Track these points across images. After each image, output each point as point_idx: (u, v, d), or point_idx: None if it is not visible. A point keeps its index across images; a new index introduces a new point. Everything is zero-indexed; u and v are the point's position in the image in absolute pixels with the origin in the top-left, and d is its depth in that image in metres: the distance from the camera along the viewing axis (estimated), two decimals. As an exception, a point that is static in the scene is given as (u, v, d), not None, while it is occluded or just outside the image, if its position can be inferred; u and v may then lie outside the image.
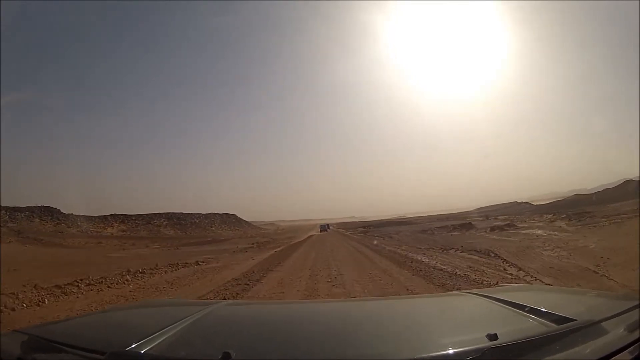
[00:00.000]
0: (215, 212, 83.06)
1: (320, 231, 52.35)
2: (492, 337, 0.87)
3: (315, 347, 1.02)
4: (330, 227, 63.16)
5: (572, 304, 1.42)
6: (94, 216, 68.48)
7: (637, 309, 1.03)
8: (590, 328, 0.93)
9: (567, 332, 0.90)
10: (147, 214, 70.33)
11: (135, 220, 67.51)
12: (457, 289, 5.63)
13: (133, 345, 0.90)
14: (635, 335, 0.86)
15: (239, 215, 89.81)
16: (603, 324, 0.95)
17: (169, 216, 70.86)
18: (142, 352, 0.88)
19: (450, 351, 0.84)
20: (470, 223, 30.74)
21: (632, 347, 0.82)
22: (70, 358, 0.89)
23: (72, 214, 67.38)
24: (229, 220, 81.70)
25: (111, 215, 69.60)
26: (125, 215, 69.28)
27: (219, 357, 0.80)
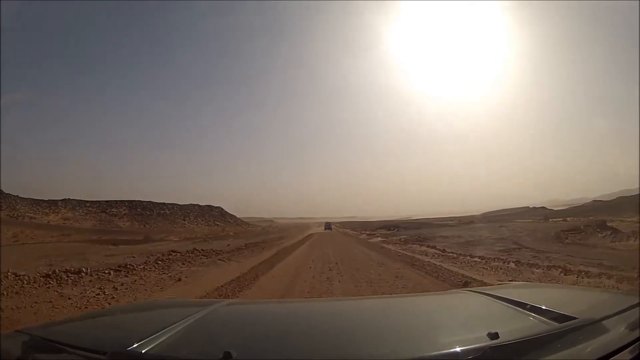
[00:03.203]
0: (196, 203, 70.01)
1: (325, 229, 49.92)
2: (493, 335, 0.85)
3: (316, 346, 1.00)
4: (332, 227, 58.01)
5: (573, 302, 1.40)
6: (43, 200, 56.46)
7: (638, 308, 1.01)
8: (591, 326, 0.92)
9: (568, 330, 0.89)
10: (106, 201, 57.63)
11: (89, 207, 54.77)
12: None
13: (134, 345, 0.88)
14: (635, 334, 0.85)
15: (225, 209, 76.59)
16: (604, 322, 0.94)
17: (133, 205, 58.01)
18: (143, 352, 0.87)
19: (451, 350, 0.83)
20: (605, 223, 17.79)
21: (632, 346, 0.81)
22: (71, 358, 0.88)
23: (18, 195, 55.59)
24: (211, 213, 68.57)
25: (63, 200, 57.21)
26: (80, 200, 56.70)
27: (220, 356, 0.78)
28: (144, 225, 49.54)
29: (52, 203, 56.07)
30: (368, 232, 37.99)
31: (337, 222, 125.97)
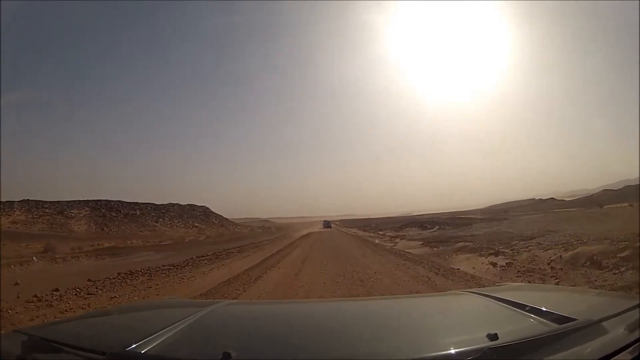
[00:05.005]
0: (177, 202, 62.39)
1: (324, 227, 48.06)
2: (493, 336, 0.85)
3: (315, 346, 1.00)
4: (332, 226, 55.07)
5: (573, 303, 1.40)
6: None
7: (637, 309, 1.01)
8: (591, 328, 0.91)
9: (567, 331, 0.89)
10: (67, 202, 50.12)
11: (46, 208, 47.32)
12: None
13: (133, 346, 0.88)
14: (635, 335, 0.85)
15: (212, 208, 69.15)
16: (603, 323, 0.93)
17: (97, 205, 50.53)
18: (142, 352, 0.87)
19: (451, 351, 0.83)
20: None
21: (632, 347, 0.81)
22: (70, 358, 0.88)
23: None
24: (192, 214, 61.10)
25: (21, 201, 49.83)
26: (38, 201, 49.40)
27: (219, 357, 0.78)
28: (103, 229, 42.31)
29: (9, 205, 48.73)
30: (394, 234, 24.35)
31: (337, 220, 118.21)
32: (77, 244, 24.37)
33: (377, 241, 20.25)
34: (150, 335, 0.94)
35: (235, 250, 16.58)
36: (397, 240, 20.33)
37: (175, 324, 1.06)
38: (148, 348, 0.88)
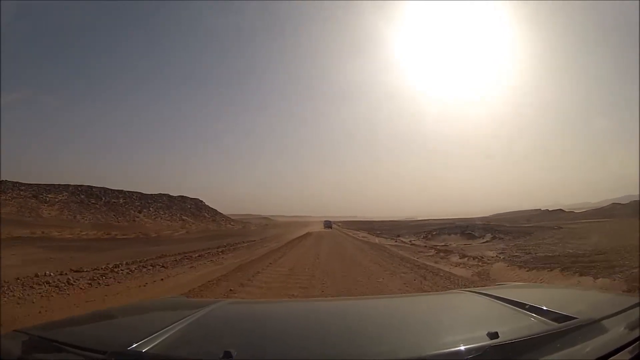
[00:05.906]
0: (167, 193, 58.51)
1: (324, 227, 48.06)
2: (493, 335, 0.85)
3: (316, 345, 1.00)
4: (333, 226, 53.83)
5: (573, 302, 1.40)
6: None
7: (638, 307, 1.01)
8: (591, 326, 0.92)
9: (567, 330, 0.89)
10: (46, 185, 46.47)
11: (22, 190, 43.69)
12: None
13: (134, 345, 0.88)
14: (635, 334, 0.85)
15: (205, 202, 65.29)
16: (603, 322, 0.94)
17: (77, 190, 46.84)
18: (143, 351, 0.87)
19: (451, 350, 0.83)
20: None
21: (632, 346, 0.81)
22: (70, 358, 0.88)
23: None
24: (182, 206, 57.23)
25: (-2, 182, 46.19)
26: (15, 182, 45.86)
27: (220, 356, 0.79)
28: (75, 217, 38.38)
29: (-16, 185, 45.21)
30: (424, 243, 18.25)
31: (339, 222, 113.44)
32: (19, 230, 20.53)
33: (429, 263, 10.34)
34: (151, 335, 0.93)
35: (191, 257, 11.58)
36: (464, 260, 10.37)
37: (176, 323, 1.04)
38: (149, 347, 0.87)
